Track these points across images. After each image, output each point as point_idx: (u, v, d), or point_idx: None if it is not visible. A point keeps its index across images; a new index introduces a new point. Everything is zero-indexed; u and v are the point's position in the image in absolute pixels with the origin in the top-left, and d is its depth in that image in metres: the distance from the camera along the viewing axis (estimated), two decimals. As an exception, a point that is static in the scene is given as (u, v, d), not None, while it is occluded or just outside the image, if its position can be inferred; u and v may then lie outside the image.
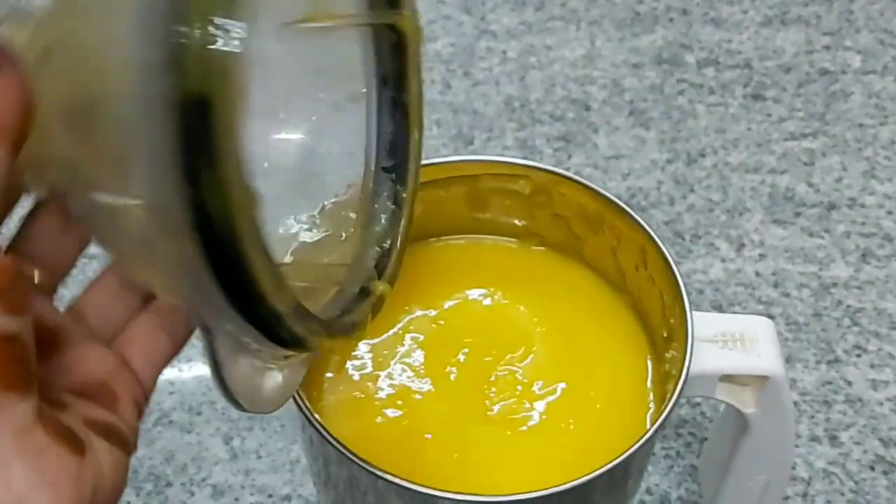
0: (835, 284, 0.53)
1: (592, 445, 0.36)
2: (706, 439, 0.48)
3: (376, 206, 0.33)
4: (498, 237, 0.41)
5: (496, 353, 0.38)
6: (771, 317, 0.52)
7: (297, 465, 0.46)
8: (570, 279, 0.40)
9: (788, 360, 0.50)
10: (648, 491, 0.46)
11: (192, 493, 0.46)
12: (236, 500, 0.45)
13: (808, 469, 0.47)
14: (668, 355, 0.36)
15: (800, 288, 0.53)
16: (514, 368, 0.37)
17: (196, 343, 0.50)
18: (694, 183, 0.58)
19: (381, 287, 0.32)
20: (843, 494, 0.46)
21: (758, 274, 0.54)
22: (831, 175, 0.58)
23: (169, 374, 0.49)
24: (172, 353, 0.29)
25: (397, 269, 0.33)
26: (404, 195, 0.33)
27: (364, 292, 0.32)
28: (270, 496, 0.46)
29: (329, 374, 0.37)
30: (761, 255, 0.55)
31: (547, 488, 0.31)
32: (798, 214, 0.56)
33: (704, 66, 0.64)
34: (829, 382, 0.50)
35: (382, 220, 0.33)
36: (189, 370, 0.49)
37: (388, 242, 0.33)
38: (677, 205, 0.57)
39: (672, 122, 0.61)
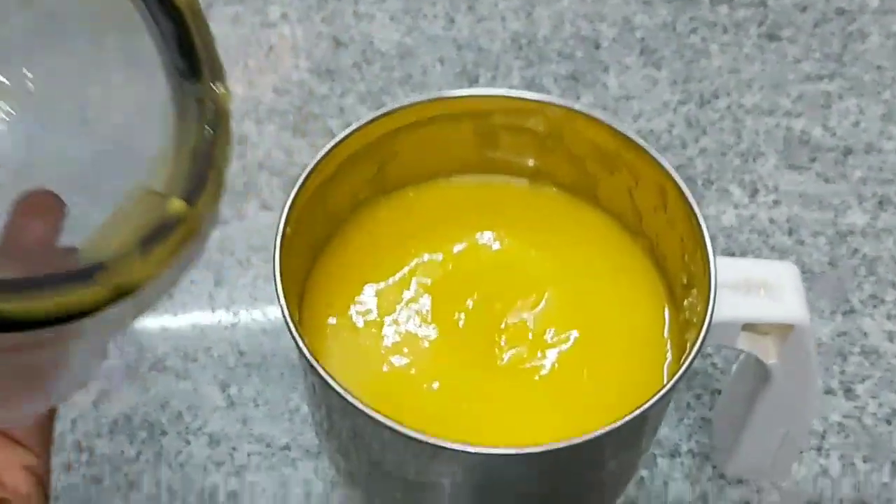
0: (851, 232, 0.52)
1: (607, 397, 0.34)
2: (718, 391, 0.46)
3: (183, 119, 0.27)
4: (508, 177, 0.39)
5: (506, 299, 0.36)
6: (785, 264, 0.50)
7: (297, 413, 0.45)
8: (584, 222, 0.38)
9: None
10: (659, 443, 0.45)
11: (188, 442, 0.44)
12: (234, 449, 0.44)
13: (822, 422, 0.45)
14: (686, 303, 0.35)
15: (815, 235, 0.51)
16: (525, 316, 0.36)
17: (191, 289, 0.48)
18: (707, 125, 0.56)
19: (176, 205, 0.25)
20: (858, 448, 0.45)
21: (772, 220, 0.52)
22: (848, 119, 0.56)
23: (162, 319, 0.47)
24: (46, 402, 0.26)
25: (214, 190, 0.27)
26: (210, 97, 0.28)
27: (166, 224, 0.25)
28: (269, 446, 0.44)
29: (332, 321, 0.36)
30: (775, 202, 0.53)
31: (559, 441, 0.29)
32: (814, 159, 0.54)
33: (717, 3, 0.61)
34: (845, 333, 0.48)
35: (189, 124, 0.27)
36: (183, 315, 0.48)
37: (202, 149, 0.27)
38: (689, 148, 0.55)
39: (684, 61, 0.58)
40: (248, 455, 0.44)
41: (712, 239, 0.51)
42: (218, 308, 0.48)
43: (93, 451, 0.44)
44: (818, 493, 0.44)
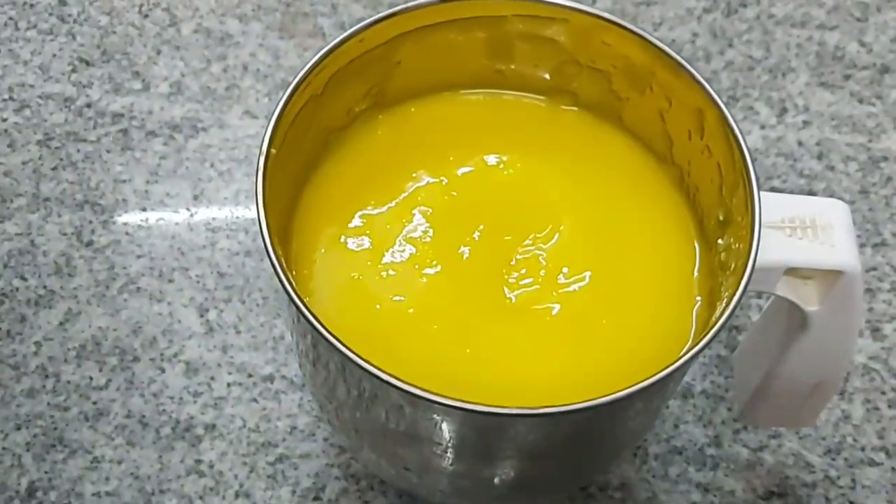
0: (885, 158, 0.48)
1: (627, 343, 0.31)
2: (736, 328, 0.43)
3: None
4: (523, 93, 0.35)
5: (517, 231, 0.32)
6: (812, 193, 0.47)
7: (281, 342, 0.41)
8: (607, 146, 0.34)
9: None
10: (671, 383, 0.41)
11: (163, 370, 0.41)
12: (212, 378, 0.41)
13: (847, 364, 0.42)
14: (721, 242, 0.31)
15: (846, 161, 0.48)
16: (538, 251, 0.32)
17: (167, 202, 0.44)
18: (733, 37, 0.51)
19: None
20: (883, 393, 0.42)
21: (800, 143, 0.48)
22: (886, 34, 0.52)
23: (135, 235, 0.43)
24: None
25: None
26: None
27: None
28: (250, 376, 0.41)
29: (322, 250, 0.32)
30: (805, 123, 0.49)
31: (570, 403, 0.26)
32: (847, 77, 0.50)
33: None
34: (875, 268, 0.45)
35: None
36: (158, 231, 0.44)
37: None
38: (714, 61, 0.50)
39: (710, -35, 0.53)
40: (228, 386, 0.40)
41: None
42: (196, 224, 0.44)
43: (59, 377, 0.40)
44: (839, 440, 0.41)
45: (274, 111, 0.29)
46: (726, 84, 0.49)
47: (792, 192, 0.46)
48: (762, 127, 0.48)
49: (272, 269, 0.27)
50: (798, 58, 0.51)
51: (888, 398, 0.42)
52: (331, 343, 0.26)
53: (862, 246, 0.45)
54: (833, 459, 0.40)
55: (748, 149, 0.29)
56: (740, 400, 0.37)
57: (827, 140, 0.48)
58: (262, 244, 0.28)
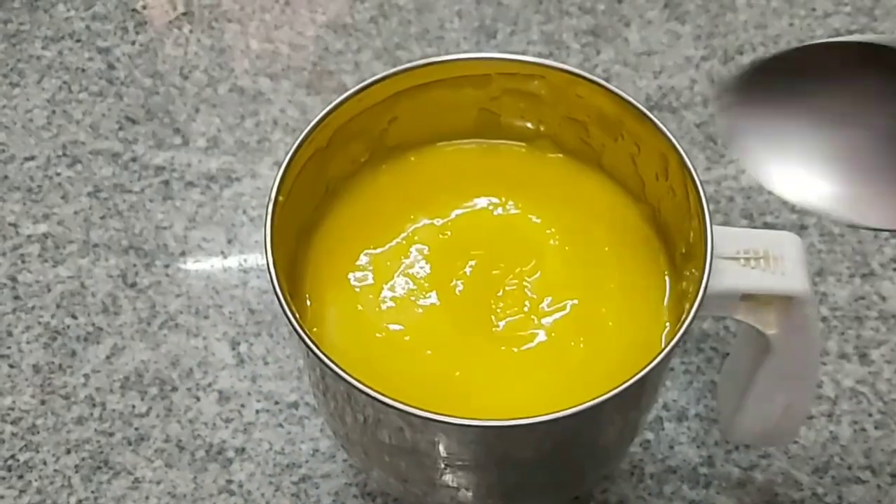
0: (875, 193, 0.50)
1: (602, 365, 0.34)
2: (727, 354, 0.46)
3: None
4: (510, 142, 0.39)
5: (505, 265, 0.36)
6: (804, 227, 0.49)
7: (305, 372, 0.45)
8: (587, 188, 0.38)
9: (820, 273, 0.48)
10: (666, 406, 0.44)
11: (198, 399, 0.45)
12: (242, 406, 0.45)
13: (834, 388, 0.45)
14: (687, 273, 0.34)
15: (837, 196, 0.50)
16: (523, 283, 0.35)
17: (204, 246, 0.49)
18: (729, 82, 0.54)
19: None
20: (870, 415, 0.44)
21: (793, 181, 0.51)
22: (878, 75, 0.54)
23: (175, 275, 0.48)
24: None
25: None
26: None
27: None
28: (277, 403, 0.45)
29: (330, 287, 0.36)
30: (797, 161, 0.51)
31: (550, 412, 0.29)
32: (839, 117, 0.53)
33: (747, -45, 0.59)
34: (863, 297, 0.47)
35: None
36: (195, 272, 0.48)
37: None
38: (711, 106, 0.53)
39: (709, 15, 0.57)
40: (257, 412, 0.44)
41: (730, 200, 0.50)
42: (229, 266, 0.48)
43: (105, 406, 0.44)
44: (827, 459, 0.43)
45: (282, 163, 0.33)
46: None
47: (784, 228, 0.49)
48: (756, 166, 0.51)
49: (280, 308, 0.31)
50: (791, 101, 0.54)
51: (875, 419, 0.44)
52: (336, 373, 0.30)
53: (851, 276, 0.48)
54: (821, 478, 0.43)
55: (703, 186, 0.32)
56: (724, 418, 0.40)
57: (818, 177, 0.51)
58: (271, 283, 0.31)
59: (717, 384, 0.43)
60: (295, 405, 0.44)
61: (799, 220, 0.50)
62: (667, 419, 0.44)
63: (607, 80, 0.38)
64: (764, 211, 0.50)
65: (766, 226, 0.49)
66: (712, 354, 0.46)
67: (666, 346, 0.30)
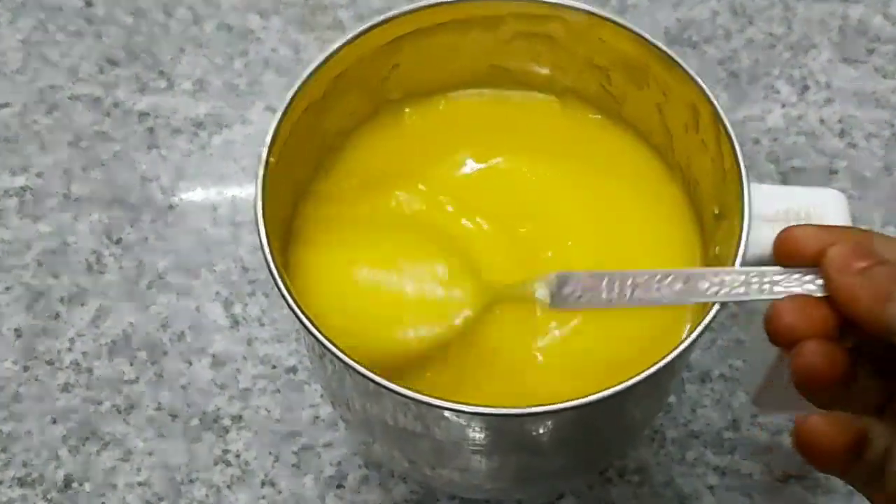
0: (909, 133, 0.47)
1: (632, 332, 0.31)
2: (756, 311, 0.43)
3: None
4: (523, 91, 0.35)
5: (518, 231, 0.33)
6: (834, 171, 0.46)
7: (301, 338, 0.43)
8: (608, 142, 0.35)
9: (851, 221, 0.45)
10: (688, 367, 0.42)
11: (190, 363, 0.42)
12: (238, 370, 0.42)
13: (867, 345, 0.42)
14: (719, 236, 0.31)
15: (869, 138, 0.47)
16: (542, 247, 0.32)
17: (192, 198, 0.45)
18: (754, 14, 0.51)
19: None
20: (905, 373, 0.41)
21: (822, 121, 0.48)
22: (913, 4, 0.51)
23: (162, 231, 0.45)
24: None
25: None
26: None
27: None
28: (274, 367, 0.42)
29: (323, 252, 0.32)
30: (827, 100, 0.48)
31: (565, 401, 0.27)
32: (871, 51, 0.49)
33: None
34: (897, 247, 0.44)
35: None
36: (184, 227, 0.45)
37: None
38: (734, 40, 0.50)
39: (731, -59, 0.53)
40: (253, 378, 0.42)
41: (756, 142, 0.47)
42: (221, 220, 0.45)
43: (91, 372, 0.42)
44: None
45: (272, 122, 0.30)
46: (746, 63, 0.49)
47: (813, 171, 0.46)
48: (783, 105, 0.48)
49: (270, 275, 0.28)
50: (820, 33, 0.50)
51: (909, 378, 0.41)
52: (326, 347, 0.27)
53: (884, 225, 0.45)
54: (852, 441, 0.40)
55: (738, 144, 0.29)
56: (754, 375, 0.37)
57: (850, 117, 0.48)
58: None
59: (748, 340, 0.40)
60: (293, 369, 0.42)
61: (829, 163, 0.46)
62: (689, 380, 0.41)
63: (623, 13, 0.35)
64: (791, 154, 0.47)
65: (794, 170, 0.46)
66: (737, 310, 0.43)
67: (700, 322, 0.27)
